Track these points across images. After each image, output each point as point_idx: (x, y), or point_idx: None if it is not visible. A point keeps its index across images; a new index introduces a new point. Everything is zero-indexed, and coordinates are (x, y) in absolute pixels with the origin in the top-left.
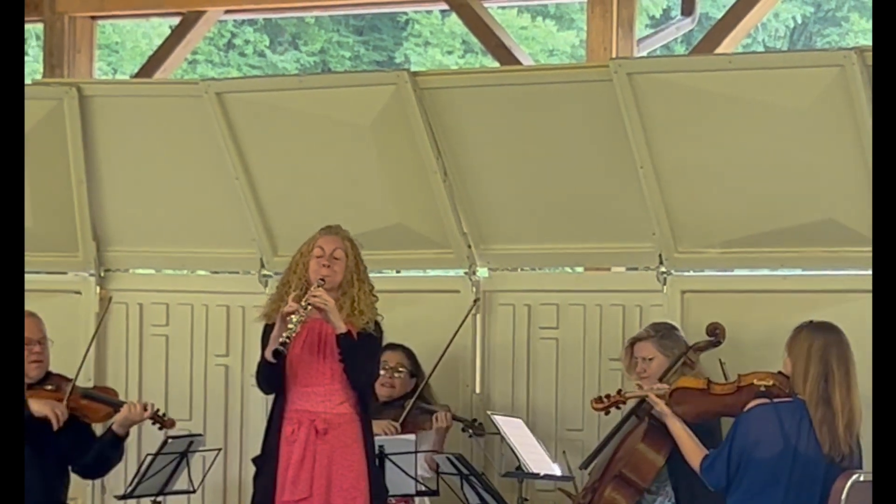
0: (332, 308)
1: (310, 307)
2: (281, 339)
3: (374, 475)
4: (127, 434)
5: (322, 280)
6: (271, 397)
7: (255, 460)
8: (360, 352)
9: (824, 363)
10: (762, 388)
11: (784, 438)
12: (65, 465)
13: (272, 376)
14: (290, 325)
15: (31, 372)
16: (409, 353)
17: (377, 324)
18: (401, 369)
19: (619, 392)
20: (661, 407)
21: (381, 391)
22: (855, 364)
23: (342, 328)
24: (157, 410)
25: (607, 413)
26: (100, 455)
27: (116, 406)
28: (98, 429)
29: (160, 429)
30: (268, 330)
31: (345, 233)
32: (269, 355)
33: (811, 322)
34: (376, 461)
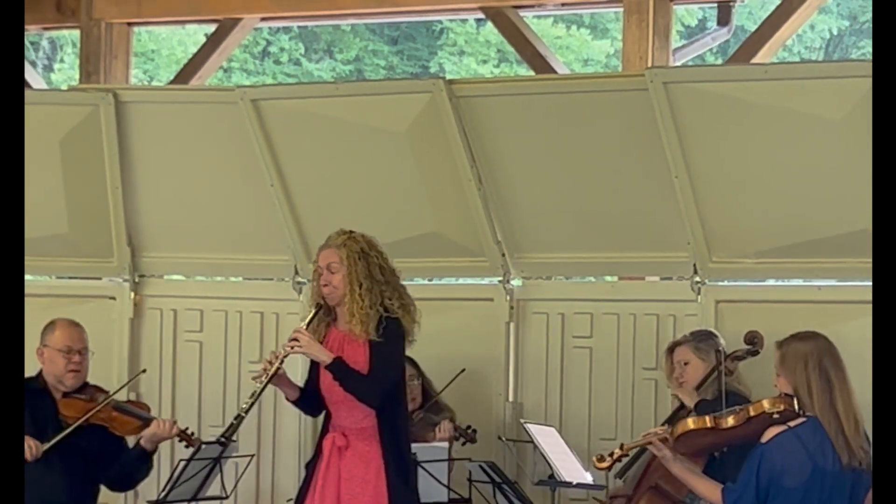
0: (306, 347)
1: (279, 360)
2: (237, 416)
3: (397, 494)
4: (155, 450)
5: (318, 305)
6: None
7: (307, 466)
8: (356, 373)
9: (824, 374)
10: (775, 415)
11: (811, 461)
12: (94, 473)
13: (302, 408)
14: (248, 397)
15: (69, 381)
16: (412, 363)
17: (390, 321)
18: (414, 380)
19: (621, 447)
20: (663, 452)
21: None
22: (846, 366)
23: (325, 360)
24: (186, 429)
25: (610, 469)
26: (126, 468)
27: (146, 420)
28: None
29: (186, 447)
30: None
31: (340, 239)
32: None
33: (793, 335)
34: (406, 478)
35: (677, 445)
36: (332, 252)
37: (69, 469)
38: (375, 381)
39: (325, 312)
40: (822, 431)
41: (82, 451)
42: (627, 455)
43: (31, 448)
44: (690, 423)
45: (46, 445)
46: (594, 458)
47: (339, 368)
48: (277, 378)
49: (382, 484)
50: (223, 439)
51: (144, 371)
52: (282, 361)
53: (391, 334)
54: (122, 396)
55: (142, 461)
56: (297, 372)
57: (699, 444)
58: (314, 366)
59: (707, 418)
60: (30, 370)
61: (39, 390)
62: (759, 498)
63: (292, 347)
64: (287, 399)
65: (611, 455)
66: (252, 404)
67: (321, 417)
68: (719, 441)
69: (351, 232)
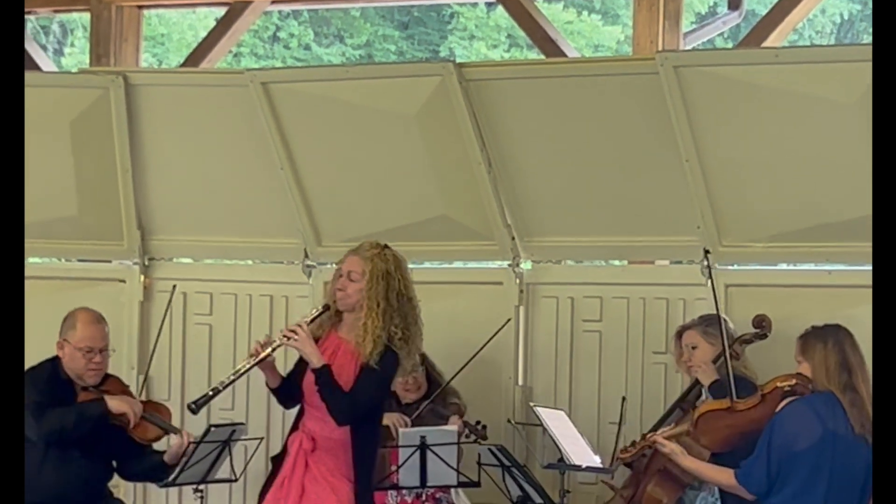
0: (301, 343)
1: (271, 348)
2: (210, 389)
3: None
4: (175, 464)
5: (326, 306)
6: None
7: (272, 459)
8: (338, 389)
9: (842, 356)
10: (787, 388)
11: (822, 424)
12: (109, 464)
13: (279, 398)
14: (230, 373)
15: (88, 379)
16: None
17: (390, 353)
18: (417, 368)
19: (643, 437)
20: (669, 448)
21: (408, 396)
22: (863, 354)
23: (315, 364)
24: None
25: (633, 458)
26: (145, 471)
27: (168, 431)
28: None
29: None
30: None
31: (370, 253)
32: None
33: (813, 328)
34: (368, 492)
35: (698, 430)
36: (357, 261)
37: (87, 464)
38: (353, 403)
39: (331, 314)
40: (836, 402)
41: (101, 447)
42: (651, 447)
43: (136, 413)
44: (708, 405)
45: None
46: (619, 453)
47: (324, 376)
48: (264, 363)
49: (346, 495)
50: (193, 405)
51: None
52: (273, 349)
53: (386, 366)
54: (132, 381)
55: (160, 470)
56: (286, 360)
57: (718, 427)
58: (302, 361)
59: (723, 401)
60: (39, 352)
61: (60, 379)
62: (770, 469)
63: (287, 339)
64: (267, 385)
65: (633, 444)
66: (231, 382)
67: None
68: (737, 424)
69: (385, 247)
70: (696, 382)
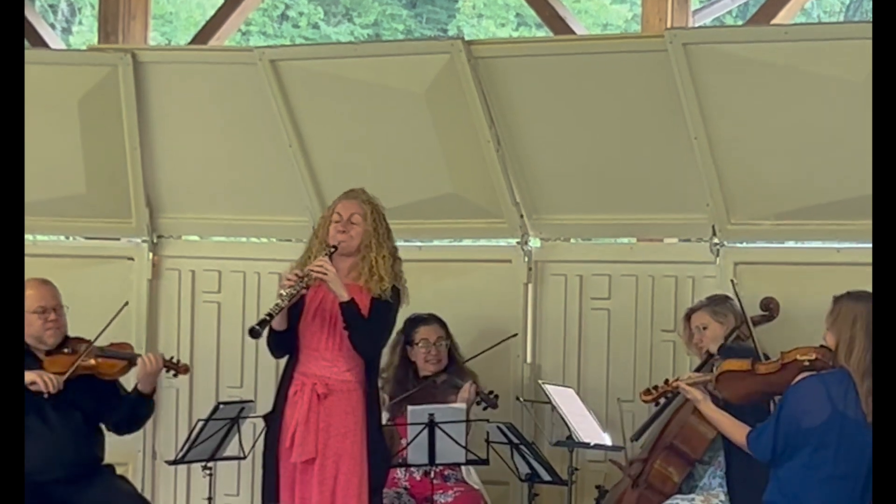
0: (332, 278)
1: (307, 279)
2: (265, 314)
3: (375, 444)
4: (153, 391)
5: (334, 247)
6: None
7: (265, 417)
8: (367, 320)
9: (870, 334)
10: (806, 363)
11: (832, 404)
12: (95, 422)
13: (277, 343)
14: (277, 300)
15: (49, 339)
16: (440, 322)
17: (395, 289)
18: (441, 342)
19: (666, 381)
20: (693, 393)
21: (428, 367)
22: None
23: (344, 297)
24: (171, 358)
25: (654, 402)
26: (129, 413)
27: (129, 359)
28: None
29: (174, 375)
30: None
31: (365, 196)
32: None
33: (849, 293)
34: (380, 430)
35: (719, 386)
36: (355, 204)
37: (70, 424)
38: (378, 334)
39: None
40: (850, 383)
41: (78, 404)
42: (672, 391)
43: (51, 380)
44: (731, 363)
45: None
46: (641, 393)
47: (353, 310)
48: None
49: (362, 433)
50: (256, 327)
51: (127, 304)
52: (307, 286)
53: (396, 299)
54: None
55: (140, 404)
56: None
57: (738, 387)
58: (294, 310)
59: (745, 361)
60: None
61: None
62: (776, 439)
63: (322, 273)
64: (273, 327)
65: (655, 388)
66: (285, 307)
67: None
68: (757, 388)
69: (366, 192)
70: (708, 357)
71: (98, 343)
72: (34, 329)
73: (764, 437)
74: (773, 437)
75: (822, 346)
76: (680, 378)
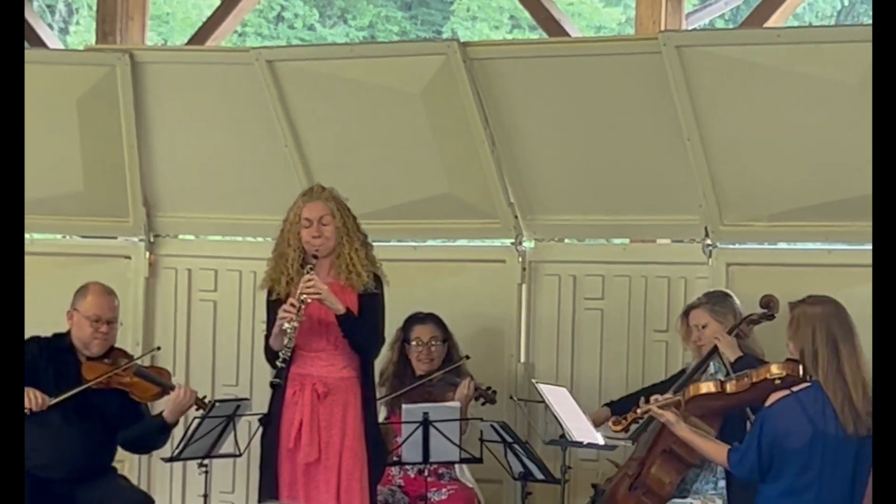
0: (325, 295)
1: (303, 305)
2: (279, 362)
3: (374, 440)
4: (175, 423)
5: (315, 257)
6: None
7: (260, 420)
8: (361, 320)
9: (831, 341)
10: (777, 381)
11: (812, 425)
12: (112, 432)
13: (276, 356)
14: (285, 341)
15: (94, 348)
16: (438, 322)
17: (376, 276)
18: (435, 342)
19: (634, 410)
20: (666, 416)
21: (421, 367)
22: (857, 332)
23: (340, 310)
24: (204, 397)
25: (625, 431)
26: (144, 435)
27: (164, 387)
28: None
29: (197, 409)
30: (271, 306)
31: (326, 194)
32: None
33: (803, 300)
34: (377, 426)
35: (689, 407)
36: (321, 205)
37: (87, 428)
38: (375, 332)
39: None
40: (823, 397)
41: (101, 412)
42: (642, 418)
43: (37, 399)
44: (700, 387)
45: (54, 401)
46: (610, 423)
47: (351, 319)
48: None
49: (361, 428)
50: (276, 381)
51: (159, 348)
52: (306, 306)
53: (381, 288)
54: (135, 348)
55: (161, 432)
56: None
57: (710, 406)
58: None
59: (713, 383)
60: (45, 328)
61: (66, 349)
62: (761, 459)
63: (316, 294)
64: (270, 344)
65: (625, 418)
66: (291, 350)
67: None
68: (730, 403)
69: (324, 187)
70: (709, 356)
71: (138, 362)
72: (84, 334)
73: (748, 458)
74: (757, 458)
75: (788, 360)
76: (650, 403)
